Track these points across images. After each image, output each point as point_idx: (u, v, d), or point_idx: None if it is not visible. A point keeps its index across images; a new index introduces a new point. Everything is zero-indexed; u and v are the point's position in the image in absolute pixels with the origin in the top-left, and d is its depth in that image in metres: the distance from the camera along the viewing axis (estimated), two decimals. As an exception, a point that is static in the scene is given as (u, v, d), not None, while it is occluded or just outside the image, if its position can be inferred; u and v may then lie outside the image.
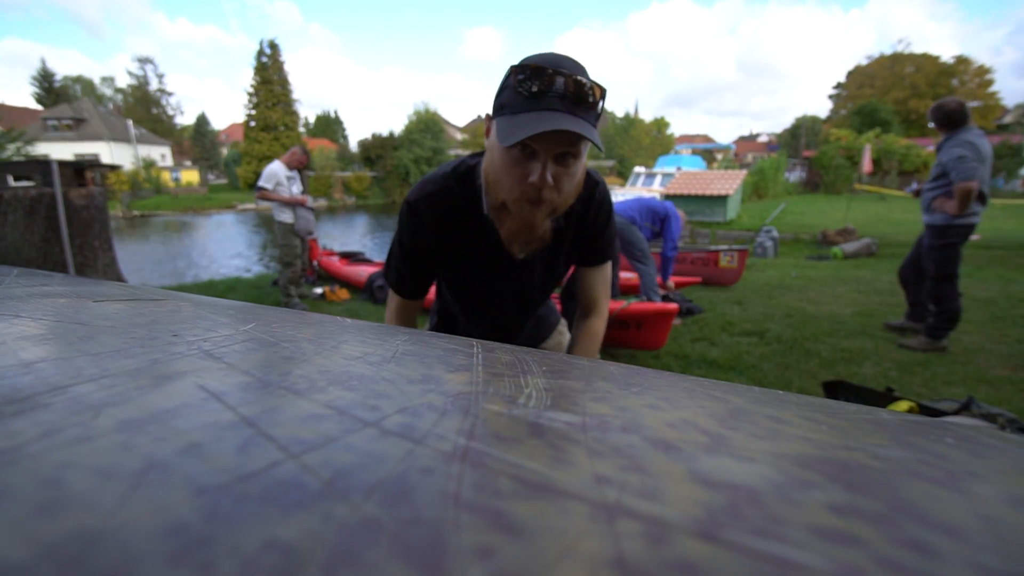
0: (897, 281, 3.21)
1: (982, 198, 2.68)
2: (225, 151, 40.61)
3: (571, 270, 0.95)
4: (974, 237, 7.94)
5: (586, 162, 0.74)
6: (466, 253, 0.83)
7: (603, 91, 0.66)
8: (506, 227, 0.75)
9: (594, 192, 0.82)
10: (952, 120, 2.68)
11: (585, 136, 0.63)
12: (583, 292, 0.93)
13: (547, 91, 0.62)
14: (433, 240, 0.81)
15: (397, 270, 0.87)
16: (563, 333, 1.13)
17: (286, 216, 3.89)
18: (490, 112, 0.71)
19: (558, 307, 2.68)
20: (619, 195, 11.45)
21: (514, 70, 0.65)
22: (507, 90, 0.66)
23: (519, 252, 0.78)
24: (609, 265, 0.92)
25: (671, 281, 3.78)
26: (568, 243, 0.85)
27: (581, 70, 0.65)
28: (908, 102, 33.38)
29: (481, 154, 0.81)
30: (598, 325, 0.92)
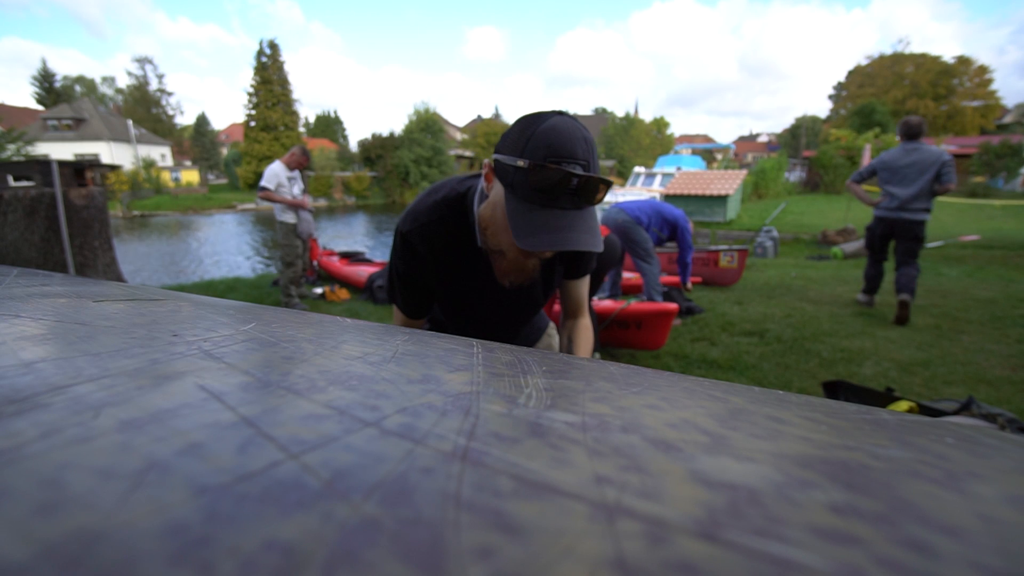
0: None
1: (888, 196, 3.36)
2: (225, 151, 40.60)
3: None
4: (973, 237, 8.01)
5: None
6: (461, 277, 0.88)
7: (609, 185, 0.70)
8: (501, 267, 0.80)
9: None
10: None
11: (590, 247, 0.68)
12: (570, 299, 1.02)
13: (561, 189, 0.66)
14: (428, 267, 0.86)
15: (401, 295, 0.91)
16: (552, 336, 1.18)
17: (288, 216, 3.89)
18: (493, 160, 0.73)
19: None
20: (620, 195, 11.44)
21: (531, 159, 0.65)
22: (520, 173, 0.67)
23: (509, 285, 0.84)
24: (588, 275, 1.02)
25: (689, 283, 3.79)
26: (557, 263, 0.93)
27: (592, 149, 0.68)
28: (907, 102, 33.37)
29: (469, 178, 0.84)
30: (587, 322, 1.05)
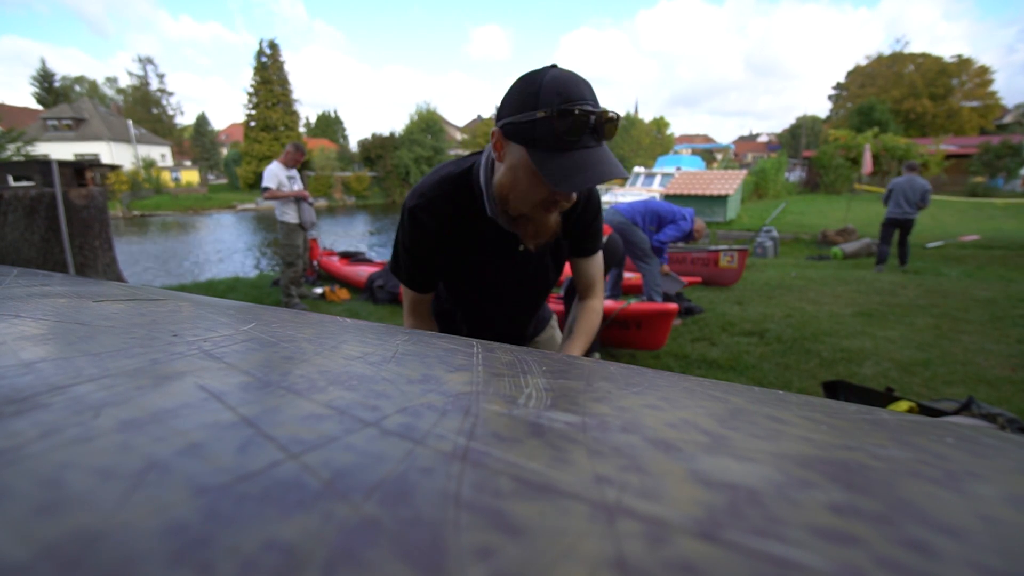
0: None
1: (896, 204, 5.74)
2: (225, 151, 40.60)
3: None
4: (973, 237, 8.03)
5: None
6: (469, 251, 0.89)
7: (618, 119, 0.75)
8: (528, 232, 0.83)
9: None
10: None
11: (619, 175, 0.72)
12: (581, 279, 1.02)
13: (584, 129, 0.70)
14: (435, 242, 0.87)
15: (406, 270, 0.93)
16: (554, 327, 1.19)
17: (288, 216, 3.89)
18: (500, 128, 0.75)
19: (560, 307, 2.70)
20: (619, 195, 11.44)
21: (556, 109, 0.69)
22: (541, 125, 0.70)
23: (536, 248, 0.87)
24: (600, 253, 1.02)
25: (665, 267, 3.81)
26: (565, 231, 0.93)
27: (593, 90, 0.73)
28: (904, 102, 33.34)
29: (469, 156, 0.87)
30: (597, 304, 1.03)
